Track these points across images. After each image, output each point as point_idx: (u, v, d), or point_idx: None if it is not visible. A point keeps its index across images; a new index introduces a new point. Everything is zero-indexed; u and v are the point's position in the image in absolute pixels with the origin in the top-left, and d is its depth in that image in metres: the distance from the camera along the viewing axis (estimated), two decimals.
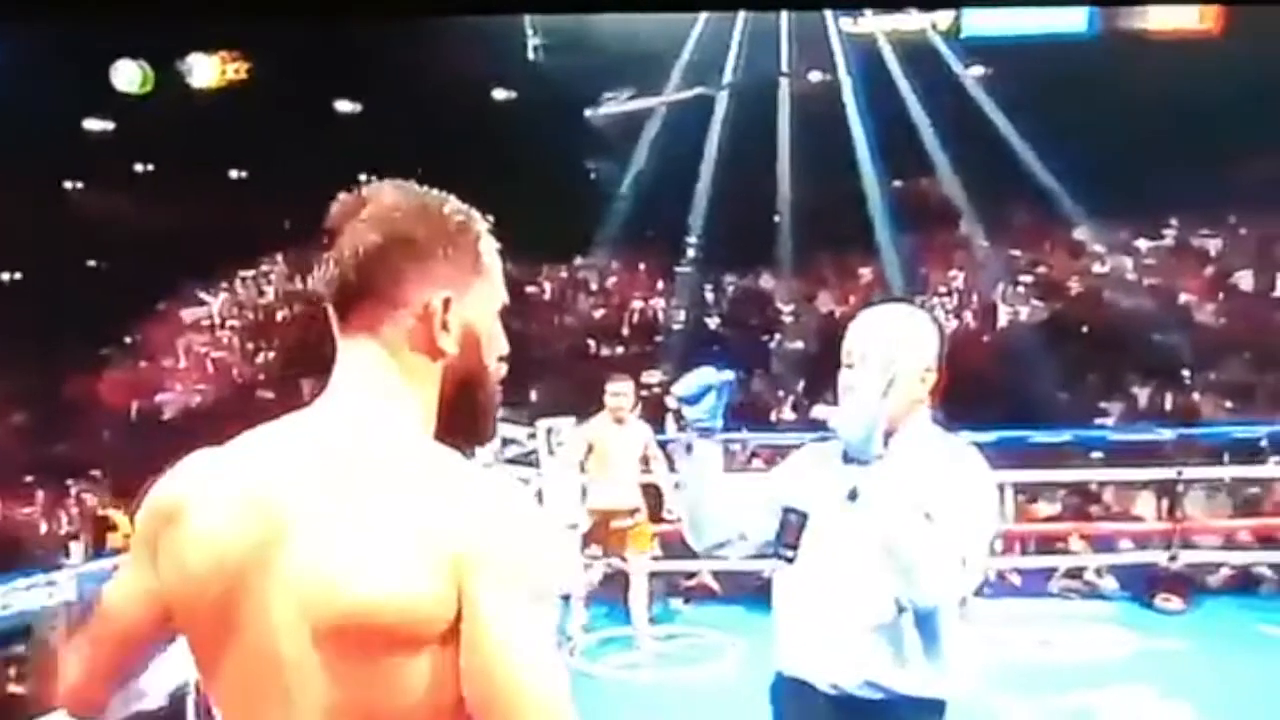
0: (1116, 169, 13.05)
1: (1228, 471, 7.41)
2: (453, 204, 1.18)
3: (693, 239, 15.50)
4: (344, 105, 15.78)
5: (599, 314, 15.41)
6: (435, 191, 1.18)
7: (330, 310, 1.13)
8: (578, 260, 16.18)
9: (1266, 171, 14.49)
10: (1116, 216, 14.63)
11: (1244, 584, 6.82)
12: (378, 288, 1.10)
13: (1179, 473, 6.52)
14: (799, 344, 13.66)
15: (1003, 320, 13.39)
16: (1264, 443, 8.48)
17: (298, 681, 1.02)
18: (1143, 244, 14.32)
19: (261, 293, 16.17)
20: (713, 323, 15.05)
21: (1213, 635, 5.96)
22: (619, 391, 5.85)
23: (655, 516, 5.93)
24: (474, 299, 1.17)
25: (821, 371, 12.30)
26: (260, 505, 1.06)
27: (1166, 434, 7.57)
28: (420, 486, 1.04)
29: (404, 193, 1.15)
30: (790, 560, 2.11)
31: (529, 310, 15.91)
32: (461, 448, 1.14)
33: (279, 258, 15.63)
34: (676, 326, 14.64)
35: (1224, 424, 9.31)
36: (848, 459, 2.02)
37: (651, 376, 11.90)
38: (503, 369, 1.23)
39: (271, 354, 15.60)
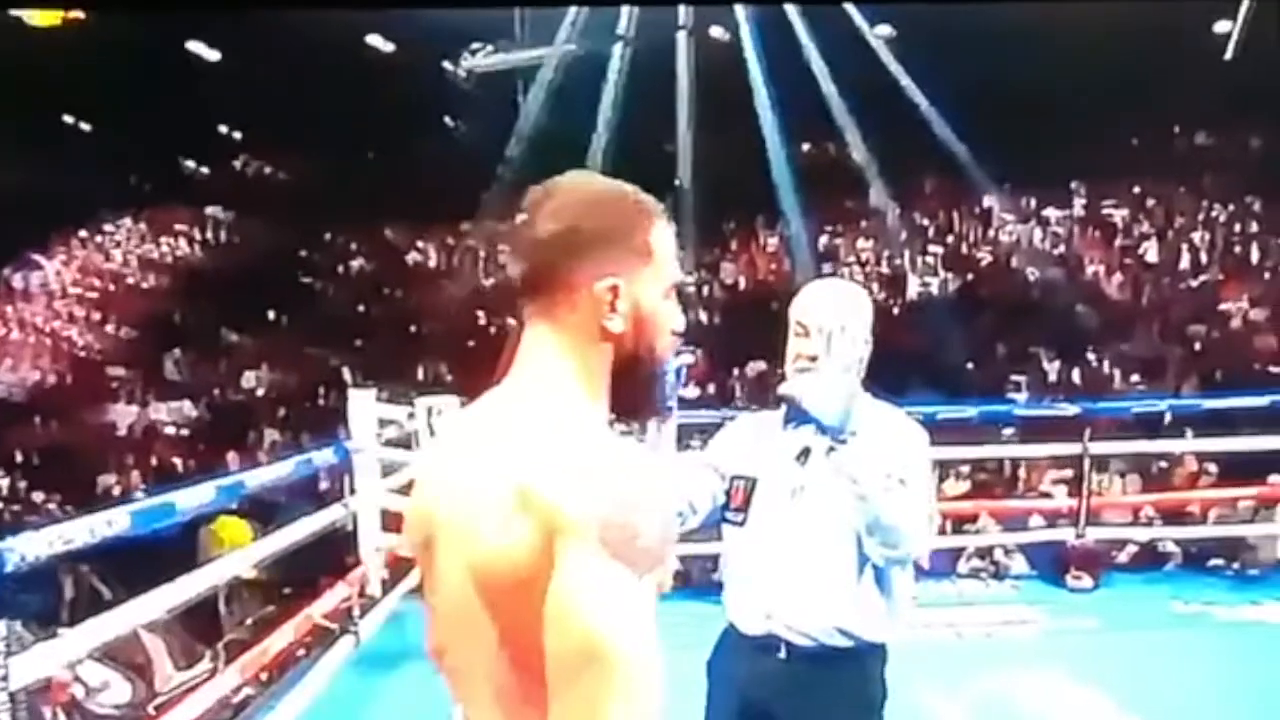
0: (1026, 135, 13.39)
1: (1134, 446, 7.68)
2: (627, 193, 1.34)
3: None
4: (201, 52, 15.12)
5: (489, 284, 15.17)
6: (615, 181, 1.36)
7: (518, 293, 1.31)
8: (464, 226, 15.89)
9: (1173, 143, 15.11)
10: (1026, 184, 15.05)
11: (1153, 560, 7.09)
12: (553, 276, 1.28)
13: (1084, 448, 6.71)
14: (703, 316, 13.65)
15: (913, 291, 13.64)
16: (1168, 416, 8.85)
17: (472, 621, 1.23)
18: (1051, 213, 14.74)
19: (108, 257, 15.50)
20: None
21: (1124, 613, 6.12)
22: None
23: None
24: (642, 283, 1.30)
25: (728, 346, 12.45)
26: (439, 473, 1.32)
27: (1071, 409, 7.79)
28: (539, 451, 1.20)
29: (583, 183, 1.34)
30: (741, 524, 2.30)
31: (411, 279, 15.58)
32: (635, 421, 1.33)
33: (128, 218, 15.04)
34: None
35: (1132, 398, 9.66)
36: (788, 422, 2.33)
37: None
38: (676, 344, 1.37)
39: (124, 327, 14.96)
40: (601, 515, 1.14)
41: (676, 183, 15.24)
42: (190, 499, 4.04)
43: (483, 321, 14.31)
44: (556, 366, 1.28)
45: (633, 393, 1.32)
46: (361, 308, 15.08)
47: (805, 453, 2.32)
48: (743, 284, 14.55)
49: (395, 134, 15.33)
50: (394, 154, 15.35)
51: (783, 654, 2.33)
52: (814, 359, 2.24)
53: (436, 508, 1.30)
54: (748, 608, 2.38)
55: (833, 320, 2.25)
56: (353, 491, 6.20)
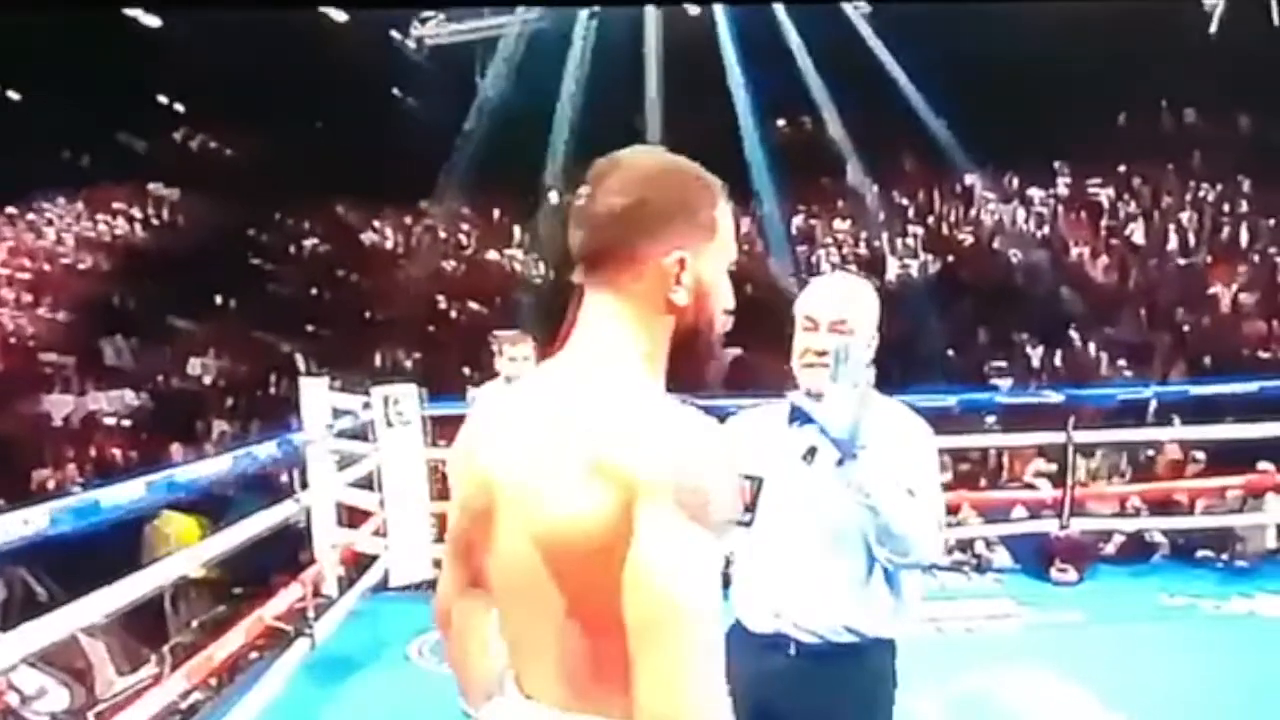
0: (1008, 112, 13.45)
1: (1120, 435, 7.75)
2: (694, 170, 1.43)
3: (552, 183, 15.26)
4: (140, 18, 14.85)
5: (448, 266, 15.08)
6: (679, 158, 1.43)
7: (579, 265, 1.40)
8: (423, 204, 15.78)
9: (1160, 121, 15.24)
10: (1008, 163, 15.13)
11: (1140, 552, 7.17)
12: (620, 246, 1.37)
13: (1068, 437, 6.76)
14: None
15: (891, 274, 13.70)
16: (1154, 403, 8.95)
17: (535, 585, 1.32)
18: (1035, 193, 14.83)
19: (41, 235, 15.23)
20: (578, 277, 14.94)
21: (1109, 607, 6.20)
22: (517, 355, 5.30)
23: None
24: (706, 258, 1.40)
25: None
26: (500, 442, 1.40)
27: (1055, 396, 7.85)
28: (610, 419, 1.28)
29: (652, 158, 1.42)
30: (748, 524, 2.28)
31: (367, 261, 15.46)
32: (689, 393, 1.38)
33: (62, 195, 14.79)
34: (537, 280, 14.45)
35: (1118, 385, 9.76)
36: (794, 420, 2.38)
37: (506, 337, 11.74)
38: (728, 322, 1.45)
39: (60, 311, 14.75)
40: (677, 480, 1.23)
41: None
42: (117, 496, 3.94)
43: (443, 306, 14.23)
44: (621, 336, 1.37)
45: (689, 365, 1.41)
46: (314, 291, 14.95)
47: (812, 451, 2.37)
48: None
49: (349, 108, 15.19)
50: (348, 129, 15.20)
51: (791, 651, 2.41)
52: (823, 354, 2.31)
53: (498, 477, 1.39)
54: (755, 606, 2.45)
55: (841, 314, 2.36)
56: (305, 486, 6.16)
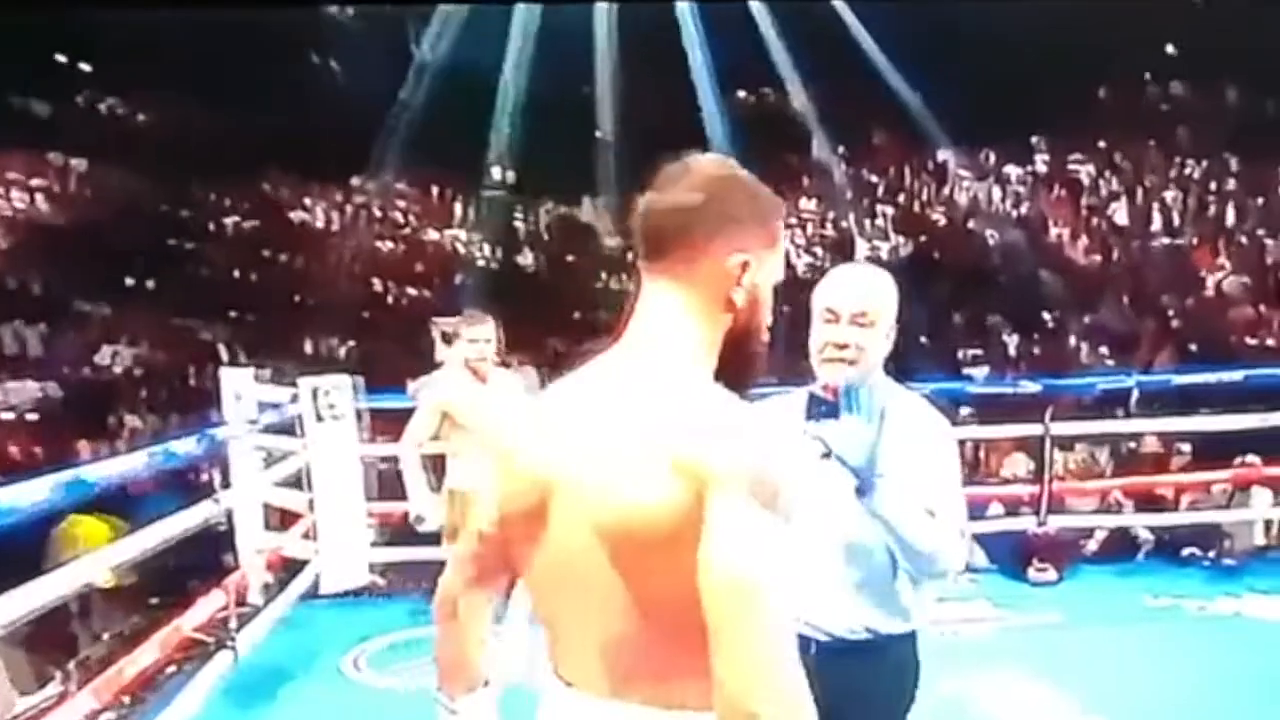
0: (984, 85, 13.55)
1: (1100, 426, 7.85)
2: (760, 184, 1.59)
3: (496, 159, 15.19)
4: None
5: (385, 247, 14.96)
6: (746, 171, 1.59)
7: (640, 252, 1.55)
8: (355, 181, 15.64)
9: (1144, 94, 15.44)
10: (984, 139, 15.26)
11: (1123, 550, 7.27)
12: (692, 240, 1.51)
13: (1046, 429, 6.84)
14: (629, 285, 13.67)
15: (861, 256, 13.76)
16: (1136, 394, 9.08)
17: (588, 575, 1.46)
18: (1012, 170, 14.98)
19: None
20: (525, 259, 14.87)
21: (1091, 608, 6.29)
22: (478, 336, 5.19)
23: None
24: (765, 268, 1.56)
25: None
26: (558, 435, 1.52)
27: (1032, 386, 7.94)
28: (678, 414, 1.43)
29: (723, 165, 1.58)
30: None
31: (296, 241, 15.29)
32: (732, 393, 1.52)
33: None
34: (480, 262, 14.39)
35: (1099, 374, 9.88)
36: (810, 416, 2.41)
37: (448, 325, 11.67)
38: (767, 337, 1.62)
39: None
40: (749, 473, 1.39)
41: (597, 133, 15.17)
42: (19, 497, 3.81)
43: (379, 289, 14.11)
44: (682, 330, 1.53)
45: (735, 365, 1.56)
46: (238, 273, 14.77)
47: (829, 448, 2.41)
48: None
49: (277, 75, 15.00)
50: (276, 98, 14.99)
51: (811, 651, 2.39)
52: (844, 347, 2.41)
53: (556, 471, 1.51)
54: None
55: (863, 306, 2.43)
56: (227, 485, 6.08)
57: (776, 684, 1.37)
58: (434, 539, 5.62)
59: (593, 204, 15.28)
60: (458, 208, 15.70)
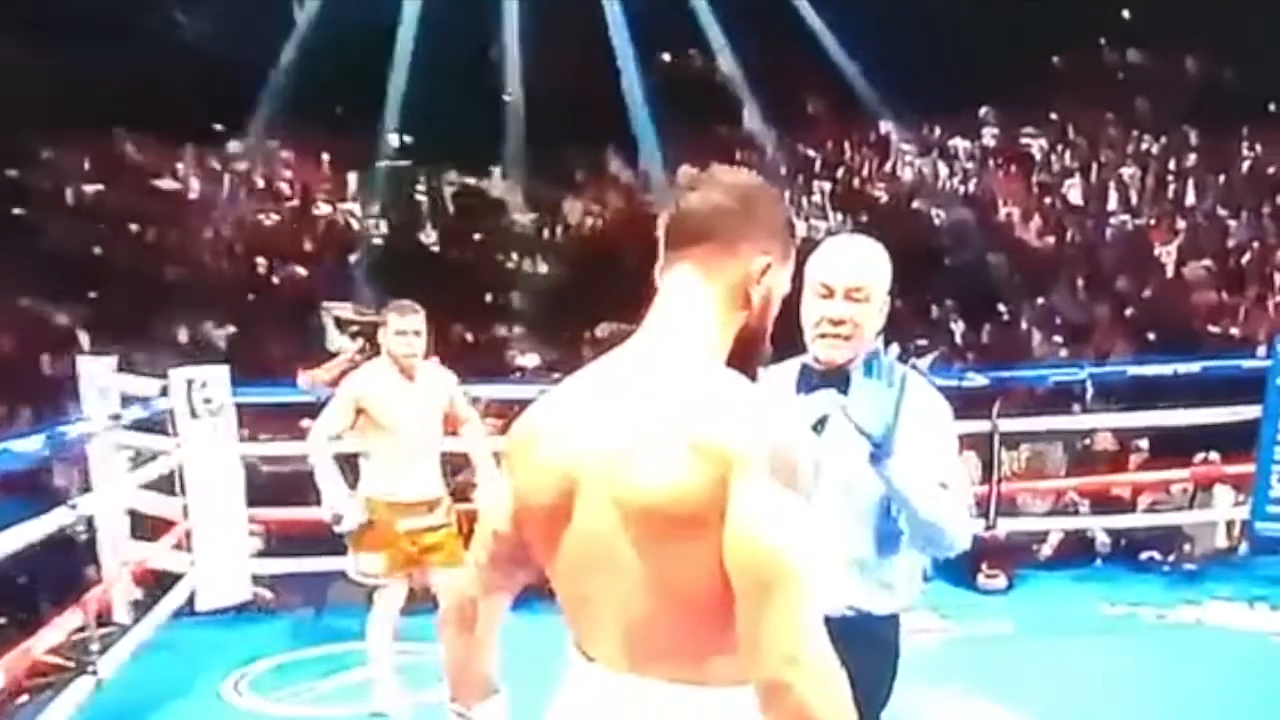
0: (929, 51, 13.72)
1: (1052, 422, 8.00)
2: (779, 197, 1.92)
3: (394, 124, 15.03)
4: None
5: (268, 221, 14.71)
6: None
7: (668, 244, 1.81)
8: (231, 146, 15.36)
9: (1100, 62, 15.74)
10: (928, 109, 15.46)
11: (1078, 554, 7.43)
12: (721, 236, 1.78)
13: (994, 424, 6.95)
14: (543, 266, 13.60)
15: (799, 234, 13.89)
16: (1090, 386, 9.26)
17: (612, 556, 1.68)
18: (959, 144, 15.20)
19: None
20: (426, 237, 14.75)
21: (1043, 617, 6.43)
22: (408, 328, 5.08)
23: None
24: (780, 274, 1.83)
25: (572, 301, 12.41)
26: (583, 424, 1.74)
27: (979, 379, 8.06)
28: (699, 399, 1.66)
29: (746, 175, 1.87)
30: None
31: (164, 213, 14.97)
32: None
33: None
34: (377, 240, 14.23)
35: (1051, 364, 10.06)
36: (802, 388, 2.65)
37: (344, 310, 11.53)
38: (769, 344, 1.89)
39: None
40: (769, 453, 1.60)
41: (506, 97, 15.08)
42: None
43: (262, 269, 13.87)
44: (702, 318, 1.78)
45: (740, 362, 1.79)
46: (97, 249, 14.42)
47: (822, 421, 2.60)
48: (588, 225, 14.55)
49: (140, 17, 14.66)
50: (140, 46, 14.63)
51: None
52: (840, 323, 2.60)
53: (581, 457, 1.73)
54: None
55: (859, 280, 2.62)
56: (87, 489, 5.97)
57: (809, 655, 1.58)
58: (324, 548, 5.58)
59: (502, 176, 15.17)
60: (351, 178, 15.47)
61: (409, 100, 14.71)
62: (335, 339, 9.80)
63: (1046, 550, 7.42)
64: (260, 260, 13.84)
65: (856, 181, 15.16)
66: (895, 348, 2.53)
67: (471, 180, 15.40)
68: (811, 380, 2.64)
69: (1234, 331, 10.76)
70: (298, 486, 6.24)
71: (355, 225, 14.85)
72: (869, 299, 2.61)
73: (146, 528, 6.48)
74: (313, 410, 5.53)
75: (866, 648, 2.53)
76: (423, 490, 5.16)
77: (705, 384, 1.70)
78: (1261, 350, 8.88)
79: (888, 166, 15.21)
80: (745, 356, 1.82)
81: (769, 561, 1.58)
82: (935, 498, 2.53)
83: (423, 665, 5.47)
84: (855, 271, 2.62)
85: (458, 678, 1.96)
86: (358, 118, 14.71)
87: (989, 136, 15.30)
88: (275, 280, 13.64)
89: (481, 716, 1.93)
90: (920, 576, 2.84)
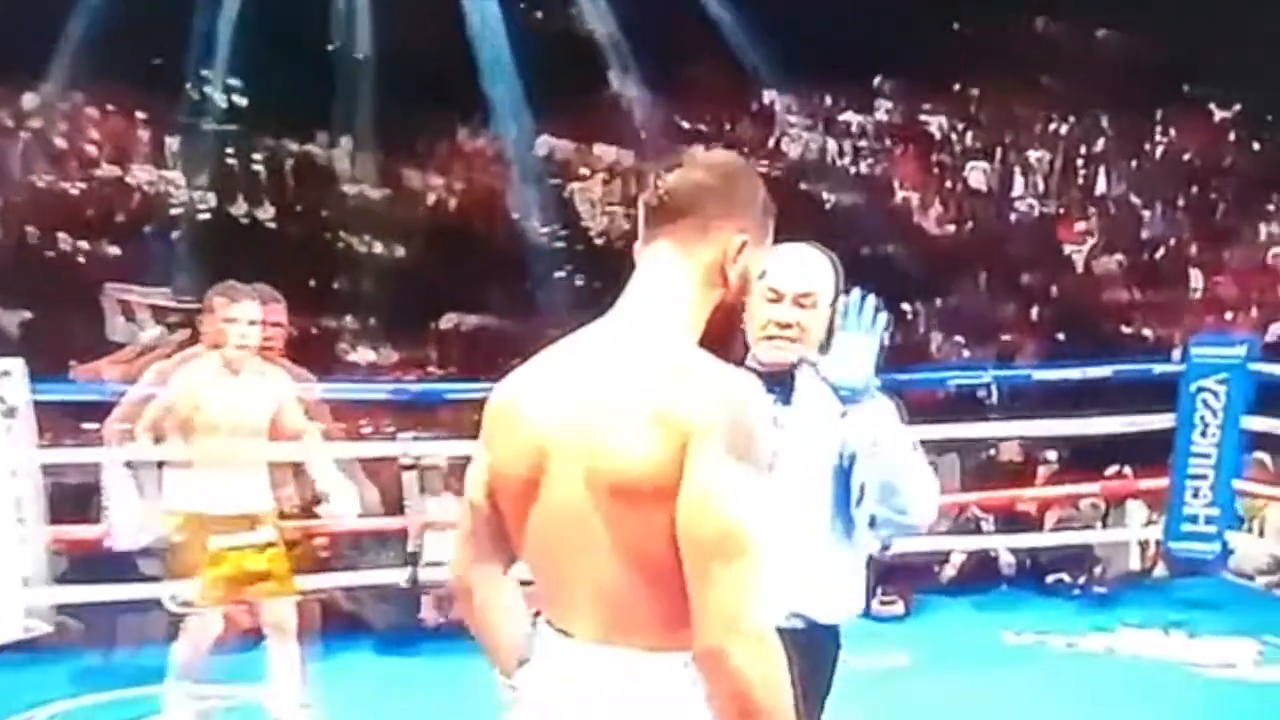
0: (818, 16, 13.82)
1: (951, 430, 8.09)
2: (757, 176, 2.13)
3: (223, 80, 14.62)
4: None
5: (72, 191, 14.21)
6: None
7: (647, 219, 2.04)
8: (26, 100, 14.83)
9: (1006, 31, 16.04)
10: (817, 79, 15.57)
11: (982, 576, 7.54)
12: (699, 213, 2.00)
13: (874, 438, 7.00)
14: (382, 248, 13.38)
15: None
16: (992, 391, 9.42)
17: (583, 529, 1.90)
18: (851, 118, 15.33)
19: None
20: (240, 210, 14.41)
21: (943, 647, 6.52)
22: (240, 315, 4.96)
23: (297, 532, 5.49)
24: (755, 256, 2.06)
25: (421, 289, 12.22)
26: (554, 397, 1.97)
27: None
28: (662, 372, 1.89)
29: (725, 154, 2.18)
30: None
31: None
32: None
33: None
34: (202, 215, 13.81)
35: (952, 367, 10.22)
36: None
37: (134, 294, 11.18)
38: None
39: None
40: (727, 426, 1.81)
41: (358, 55, 14.78)
42: None
43: (66, 247, 13.38)
44: (678, 294, 2.00)
45: (715, 340, 2.01)
46: None
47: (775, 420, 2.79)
48: (439, 202, 14.38)
49: None
50: None
51: None
52: (787, 326, 2.88)
53: (551, 430, 1.95)
54: None
55: (807, 286, 2.91)
56: None
57: (749, 625, 1.78)
58: (131, 573, 5.39)
59: (341, 142, 14.89)
60: (171, 142, 15.00)
61: (241, 53, 14.27)
62: (123, 327, 9.51)
63: (950, 572, 7.51)
64: (62, 236, 13.36)
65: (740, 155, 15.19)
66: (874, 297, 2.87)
67: (305, 147, 15.06)
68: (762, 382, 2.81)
69: (1147, 333, 11.05)
70: (82, 499, 6.05)
71: (176, 197, 14.40)
72: (816, 305, 2.91)
73: None
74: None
75: (810, 656, 2.69)
76: (243, 503, 5.02)
77: (669, 358, 1.92)
78: (1176, 354, 9.13)
79: (771, 142, 15.26)
80: (722, 332, 2.05)
81: (717, 531, 1.79)
82: (910, 455, 2.86)
83: (238, 711, 5.33)
84: (804, 278, 2.93)
85: (487, 648, 2.17)
86: (179, 71, 14.27)
87: (884, 111, 15.42)
88: (80, 259, 13.18)
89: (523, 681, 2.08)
90: (863, 584, 3.03)
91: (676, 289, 2.01)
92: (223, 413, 4.96)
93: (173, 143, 14.78)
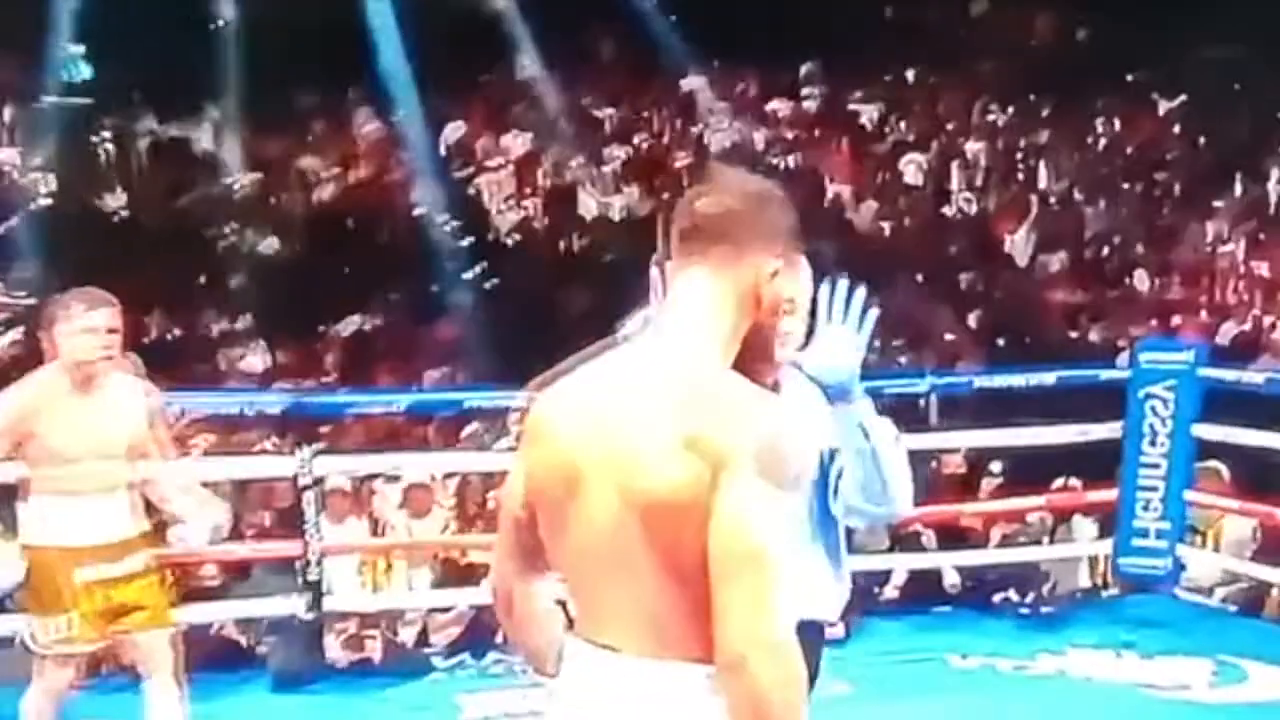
0: None
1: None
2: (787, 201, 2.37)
3: (68, 49, 14.33)
4: None
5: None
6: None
7: (679, 246, 2.28)
8: None
9: (942, 14, 16.27)
10: (742, 65, 15.69)
11: (925, 595, 7.73)
12: (734, 238, 2.23)
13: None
14: (271, 242, 13.28)
15: (590, 212, 13.94)
16: (930, 400, 9.62)
17: (617, 545, 2.12)
18: (777, 107, 15.47)
19: None
20: (109, 200, 14.21)
21: (885, 674, 6.69)
22: (98, 323, 4.88)
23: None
24: (788, 280, 2.31)
25: (312, 289, 12.15)
26: (589, 416, 2.19)
27: None
28: (695, 395, 2.10)
29: (754, 178, 2.43)
30: None
31: None
32: None
33: None
34: (44, 201, 13.56)
35: (887, 375, 10.42)
36: None
37: None
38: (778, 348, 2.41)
39: None
40: (757, 450, 2.04)
41: (219, 22, 14.60)
42: None
43: None
44: (713, 318, 2.22)
45: (748, 364, 2.22)
46: None
47: None
48: (328, 193, 14.28)
49: None
50: None
51: None
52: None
53: (587, 451, 2.17)
54: None
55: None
56: None
57: (768, 637, 1.99)
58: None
59: (212, 124, 14.71)
60: (7, 118, 14.68)
61: (89, 18, 14.01)
62: None
63: (891, 592, 7.70)
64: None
65: (655, 149, 15.24)
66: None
67: (175, 129, 14.86)
68: None
69: (1093, 337, 11.30)
70: None
71: (14, 181, 14.10)
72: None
73: None
74: None
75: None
76: (108, 531, 4.99)
77: (703, 381, 2.14)
78: (1123, 359, 9.38)
79: (693, 131, 15.34)
80: (756, 356, 2.26)
81: (745, 553, 2.01)
82: (894, 446, 3.15)
83: None
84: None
85: (528, 653, 2.47)
86: (17, 36, 13.95)
87: (812, 99, 15.56)
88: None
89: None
90: (846, 580, 3.38)
91: (710, 313, 2.23)
92: (77, 432, 4.90)
93: (6, 115, 14.42)
